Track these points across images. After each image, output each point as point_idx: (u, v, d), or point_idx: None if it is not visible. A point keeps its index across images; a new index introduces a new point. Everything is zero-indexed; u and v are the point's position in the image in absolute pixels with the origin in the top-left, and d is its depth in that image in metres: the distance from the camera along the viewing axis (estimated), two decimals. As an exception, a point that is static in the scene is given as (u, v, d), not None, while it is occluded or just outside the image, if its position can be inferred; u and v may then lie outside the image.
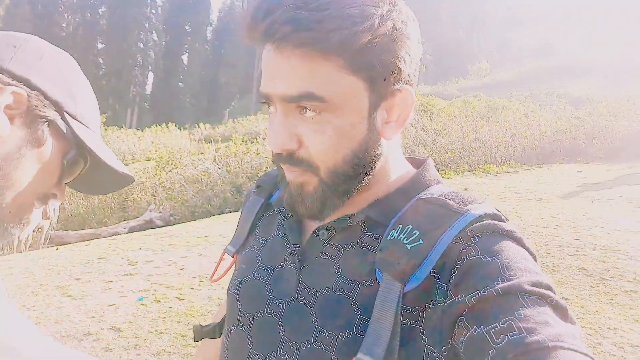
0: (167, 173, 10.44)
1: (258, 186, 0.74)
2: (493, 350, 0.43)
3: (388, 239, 0.55)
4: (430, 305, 0.51)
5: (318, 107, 0.52)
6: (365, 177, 0.57)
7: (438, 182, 0.63)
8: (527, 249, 0.53)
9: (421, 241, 0.52)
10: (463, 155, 10.13)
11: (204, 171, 10.22)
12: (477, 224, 0.53)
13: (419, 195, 0.58)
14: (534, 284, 0.47)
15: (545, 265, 3.93)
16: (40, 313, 3.37)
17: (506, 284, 0.46)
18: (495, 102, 16.01)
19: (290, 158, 0.55)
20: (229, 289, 0.69)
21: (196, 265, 4.38)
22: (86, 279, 4.13)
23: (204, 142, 19.61)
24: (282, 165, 0.57)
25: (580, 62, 27.16)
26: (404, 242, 0.53)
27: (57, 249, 5.82)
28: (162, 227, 7.77)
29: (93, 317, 3.29)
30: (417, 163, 0.67)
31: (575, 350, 0.41)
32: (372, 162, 0.57)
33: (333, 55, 0.50)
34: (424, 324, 0.51)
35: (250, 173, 9.45)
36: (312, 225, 0.63)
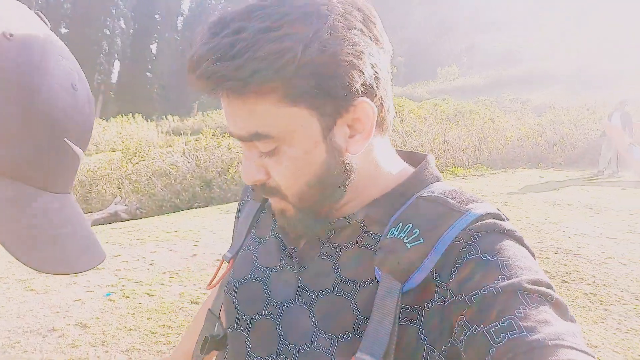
0: (133, 165, 10.16)
1: (253, 190, 0.73)
2: (493, 349, 0.43)
3: (388, 237, 0.54)
4: (430, 305, 0.51)
5: (269, 143, 0.52)
6: (340, 192, 0.57)
7: (438, 180, 0.62)
8: (527, 248, 0.53)
9: (422, 240, 0.52)
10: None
11: (172, 164, 10.01)
12: (477, 223, 0.53)
13: (420, 193, 0.58)
14: (534, 282, 0.47)
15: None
16: (1, 307, 3.21)
17: (506, 282, 0.47)
18: (463, 106, 16.42)
19: (263, 189, 0.57)
20: (225, 290, 0.68)
21: (166, 261, 4.29)
22: (49, 273, 3.97)
23: (172, 134, 19.18)
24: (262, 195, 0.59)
25: (544, 70, 28.20)
26: (404, 241, 0.53)
27: (16, 241, 5.56)
28: (128, 220, 7.56)
29: (57, 312, 3.17)
30: (417, 159, 0.66)
31: (576, 349, 0.42)
32: (343, 178, 0.56)
33: (264, 94, 0.49)
34: (423, 324, 0.51)
35: (221, 168, 9.32)
36: None
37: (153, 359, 2.64)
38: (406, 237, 0.53)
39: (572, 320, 0.46)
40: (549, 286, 0.48)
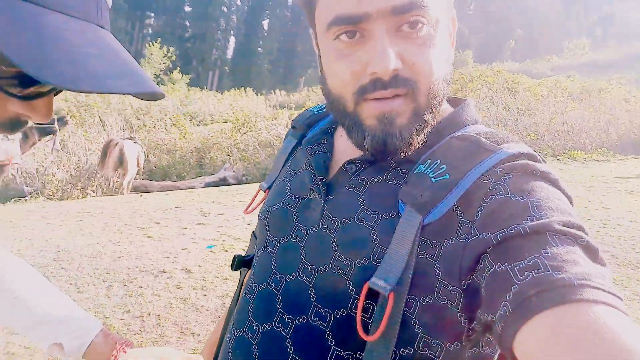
0: (242, 135, 10.83)
1: (293, 127, 0.76)
2: (516, 286, 0.42)
3: (415, 172, 0.54)
4: (449, 241, 0.50)
5: (423, 15, 0.49)
6: (442, 102, 0.55)
7: (475, 122, 0.60)
8: (563, 191, 0.50)
9: (447, 176, 0.51)
10: (547, 139, 9.45)
11: (276, 136, 10.48)
12: (509, 163, 0.50)
13: (454, 134, 0.56)
14: (565, 224, 0.45)
15: (627, 260, 3.63)
16: (124, 248, 3.72)
17: (535, 222, 0.45)
18: (591, 83, 14.64)
19: (393, 80, 0.51)
20: (259, 215, 0.72)
21: (263, 222, 4.57)
22: (164, 224, 4.48)
23: (278, 108, 20.02)
24: (369, 104, 0.53)
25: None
26: (430, 175, 0.52)
27: (141, 196, 6.34)
28: (234, 185, 8.15)
29: (168, 257, 3.57)
30: (457, 102, 0.64)
31: (603, 290, 0.39)
32: (449, 81, 0.55)
33: None
34: (440, 258, 0.50)
35: (321, 140, 9.56)
36: (341, 160, 0.64)
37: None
38: (432, 172, 0.52)
39: (603, 264, 0.44)
40: (580, 228, 0.45)
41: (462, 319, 0.49)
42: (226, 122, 15.48)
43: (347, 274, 0.54)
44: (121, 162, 7.07)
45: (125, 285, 3.09)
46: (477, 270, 0.47)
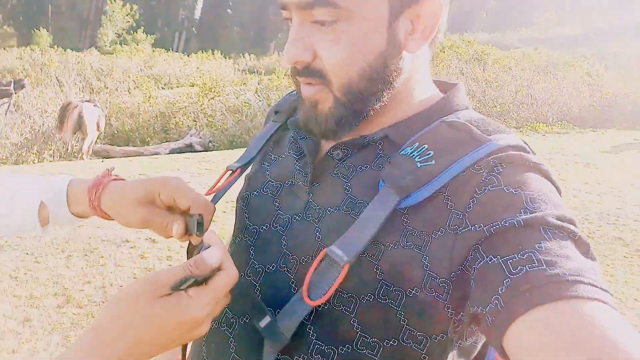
0: (209, 100, 10.55)
1: (276, 112, 0.72)
2: (508, 280, 0.41)
3: (400, 153, 0.53)
4: (438, 232, 0.49)
5: (332, 13, 0.49)
6: (384, 94, 0.54)
7: (467, 108, 0.59)
8: (553, 183, 0.51)
9: (433, 162, 0.50)
10: (512, 111, 9.66)
11: (245, 102, 10.27)
12: (501, 154, 0.50)
13: (444, 118, 0.55)
14: (558, 217, 0.45)
15: (580, 231, 3.82)
16: (84, 218, 3.61)
17: (529, 216, 0.44)
18: (557, 57, 14.94)
19: (305, 70, 0.53)
20: (237, 200, 0.69)
21: (229, 191, 4.51)
22: (127, 192, 4.36)
23: (247, 72, 19.55)
24: (298, 79, 0.55)
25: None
26: (416, 159, 0.51)
27: (102, 161, 6.14)
28: (200, 152, 8.00)
29: (131, 227, 3.50)
30: (446, 87, 0.63)
31: (595, 286, 0.39)
32: (392, 78, 0.53)
33: None
34: (429, 251, 0.49)
35: (291, 108, 9.43)
36: (327, 145, 0.61)
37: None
38: (418, 157, 0.51)
39: (593, 259, 0.44)
40: (572, 222, 0.46)
41: (450, 310, 0.49)
42: (193, 86, 15.02)
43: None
44: (80, 125, 6.79)
45: (86, 255, 3.02)
46: (468, 262, 0.47)
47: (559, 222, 0.44)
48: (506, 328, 0.40)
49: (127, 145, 9.18)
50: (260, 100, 10.20)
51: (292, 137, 0.66)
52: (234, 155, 6.49)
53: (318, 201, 0.57)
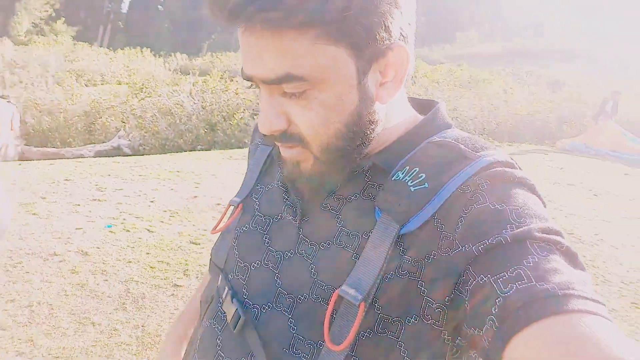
0: (139, 101, 10.05)
1: (265, 135, 0.73)
2: (500, 299, 0.42)
3: (392, 179, 0.53)
4: (432, 257, 0.49)
5: (300, 86, 0.49)
6: (364, 147, 0.55)
7: (449, 127, 0.59)
8: (538, 196, 0.51)
9: (426, 184, 0.51)
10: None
11: (178, 103, 9.90)
12: (487, 171, 0.50)
13: (431, 138, 0.56)
14: (544, 231, 0.45)
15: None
16: (3, 228, 3.29)
17: (515, 231, 0.45)
18: (477, 74, 16.03)
19: (282, 137, 0.53)
20: (225, 232, 0.68)
21: (167, 199, 4.35)
22: (52, 199, 4.04)
23: (179, 72, 18.85)
24: (276, 143, 0.56)
25: (566, 46, 27.32)
26: (408, 184, 0.51)
27: (19, 164, 5.62)
28: (130, 155, 7.59)
29: (59, 238, 3.25)
30: (425, 106, 0.63)
31: (586, 298, 0.40)
32: (369, 130, 0.54)
33: (305, 29, 0.46)
34: (423, 275, 0.49)
35: (227, 112, 9.23)
36: None
37: (149, 292, 2.73)
38: (411, 181, 0.52)
39: (582, 268, 0.45)
40: (558, 233, 0.46)
41: (446, 336, 0.49)
42: (120, 84, 14.20)
43: (328, 300, 0.52)
44: (-8, 124, 6.16)
45: (8, 270, 2.75)
46: (460, 284, 0.47)
47: (545, 235, 0.45)
48: (503, 349, 0.40)
49: (45, 146, 8.47)
50: (194, 103, 9.89)
51: (280, 168, 0.64)
52: (169, 161, 6.25)
53: (310, 237, 0.57)
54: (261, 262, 0.60)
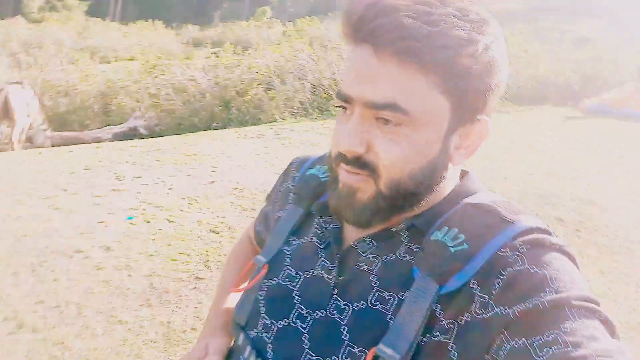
0: (153, 79, 10.01)
1: (295, 193, 0.71)
2: None
3: (431, 239, 0.54)
4: (465, 318, 0.49)
5: (398, 119, 0.51)
6: (425, 197, 0.56)
7: (483, 191, 0.61)
8: (576, 264, 0.52)
9: (466, 245, 0.51)
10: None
11: (191, 79, 9.84)
12: (526, 237, 0.51)
13: (467, 200, 0.57)
14: (583, 299, 0.46)
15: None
16: (27, 225, 3.38)
17: (554, 296, 0.45)
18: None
19: (355, 161, 0.54)
20: (249, 290, 0.66)
21: (185, 186, 4.38)
22: (73, 191, 4.12)
23: (191, 45, 18.67)
24: (341, 166, 0.56)
25: (594, 1, 25.95)
26: (449, 245, 0.52)
27: (40, 153, 5.71)
28: (146, 137, 7.64)
29: (82, 233, 3.32)
30: (460, 174, 0.65)
31: None
32: (435, 183, 0.56)
33: (431, 71, 0.49)
34: (456, 338, 0.49)
35: (240, 88, 9.14)
36: (351, 235, 0.61)
37: (172, 287, 2.79)
38: (450, 242, 0.52)
39: (619, 339, 0.45)
40: (597, 303, 0.47)
41: None
42: (132, 60, 14.15)
43: None
44: (7, 112, 6.26)
45: (34, 270, 2.84)
46: (495, 348, 0.46)
47: (584, 303, 0.45)
48: None
49: (64, 129, 8.58)
50: (208, 79, 9.82)
51: (317, 224, 0.65)
52: (185, 143, 6.27)
53: (343, 297, 0.57)
54: (289, 320, 0.59)
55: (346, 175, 0.55)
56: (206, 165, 5.05)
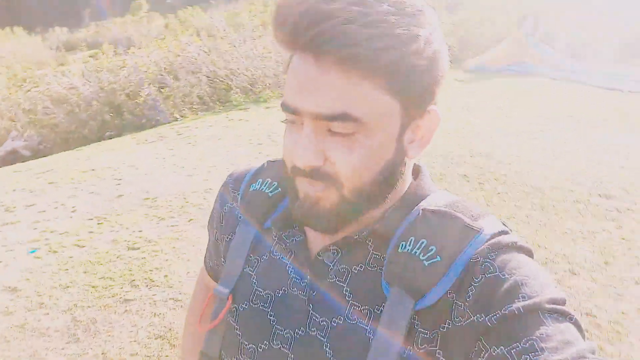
0: (25, 92, 8.94)
1: (243, 213, 0.67)
2: None
3: (399, 251, 0.53)
4: (446, 325, 0.51)
5: (350, 127, 0.50)
6: (387, 196, 0.56)
7: (435, 191, 0.62)
8: (533, 257, 0.55)
9: (439, 258, 0.51)
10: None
11: (71, 87, 8.95)
12: (492, 242, 0.53)
13: (424, 205, 0.57)
14: (554, 301, 0.48)
15: (434, 175, 4.36)
16: None
17: (527, 302, 0.47)
18: None
19: (314, 173, 0.52)
20: (225, 317, 0.64)
21: (89, 205, 4.02)
22: (-46, 233, 3.58)
23: (63, 50, 16.93)
24: (300, 179, 0.54)
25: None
26: (421, 257, 0.52)
27: None
28: (30, 159, 6.84)
29: (-22, 278, 2.91)
30: (413, 170, 0.65)
31: None
32: (396, 182, 0.56)
33: (377, 75, 0.48)
34: (440, 345, 0.51)
35: (130, 90, 8.52)
36: (315, 245, 0.60)
37: (99, 315, 2.58)
38: (422, 254, 0.52)
39: (584, 336, 0.48)
40: (564, 302, 0.49)
41: None
42: (-5, 75, 12.45)
43: None
44: None
45: None
46: (473, 354, 0.48)
47: (555, 306, 0.48)
48: None
49: None
50: (91, 85, 9.00)
51: (277, 239, 0.63)
52: (78, 158, 5.73)
53: (320, 313, 0.56)
54: (270, 343, 0.58)
55: (307, 187, 0.54)
56: (108, 179, 4.68)
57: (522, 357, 0.44)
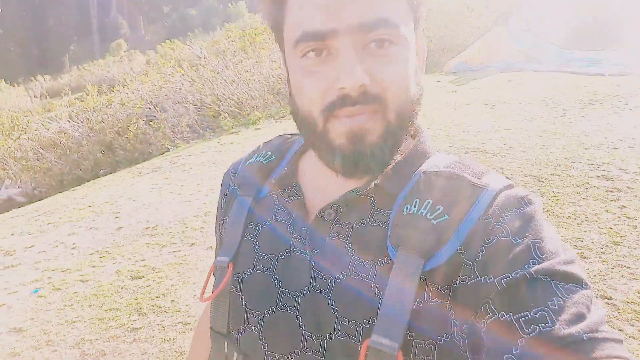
0: (14, 141, 8.95)
1: (239, 186, 0.67)
2: (522, 340, 0.41)
3: (404, 214, 0.52)
4: (457, 281, 0.49)
5: (389, 36, 0.49)
6: (412, 128, 0.55)
7: (436, 152, 0.60)
8: (543, 217, 0.53)
9: (447, 216, 0.49)
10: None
11: (60, 132, 8.98)
12: (501, 200, 0.51)
13: (424, 169, 0.56)
14: (565, 262, 0.45)
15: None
16: None
17: (538, 266, 0.45)
18: None
19: (362, 97, 0.49)
20: (221, 293, 0.62)
21: (89, 241, 3.98)
22: (-46, 284, 3.52)
23: (48, 97, 17.02)
24: (337, 114, 0.50)
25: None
26: (428, 217, 0.50)
27: None
28: (27, 204, 6.80)
29: (-18, 324, 2.85)
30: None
31: (609, 339, 0.41)
32: (419, 104, 0.55)
33: None
34: (451, 300, 0.49)
35: (120, 127, 8.56)
36: (314, 206, 0.59)
37: (108, 347, 2.52)
38: (429, 214, 0.50)
39: (596, 304, 0.45)
40: (575, 262, 0.47)
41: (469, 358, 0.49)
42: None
43: (356, 339, 0.50)
44: None
45: None
46: (478, 314, 0.46)
47: (568, 272, 0.45)
48: None
49: None
50: (80, 126, 9.03)
51: (275, 202, 0.62)
52: (75, 197, 5.69)
53: (323, 270, 0.54)
54: (275, 307, 0.56)
55: (349, 121, 0.50)
56: (107, 213, 4.65)
57: (532, 327, 0.41)
